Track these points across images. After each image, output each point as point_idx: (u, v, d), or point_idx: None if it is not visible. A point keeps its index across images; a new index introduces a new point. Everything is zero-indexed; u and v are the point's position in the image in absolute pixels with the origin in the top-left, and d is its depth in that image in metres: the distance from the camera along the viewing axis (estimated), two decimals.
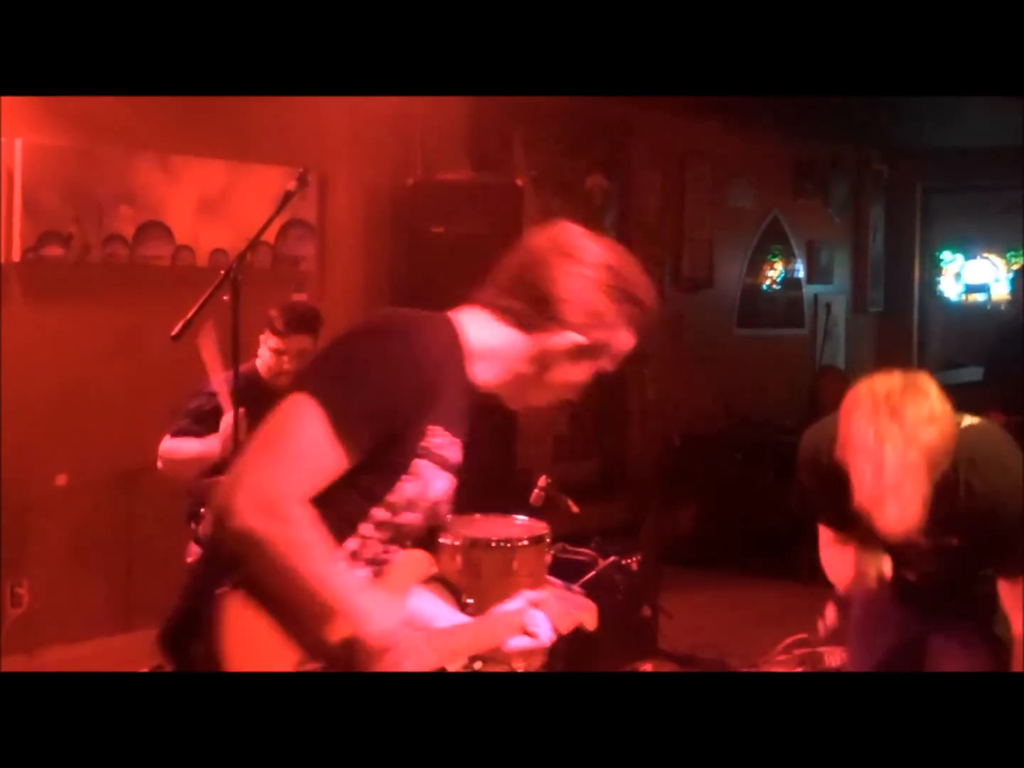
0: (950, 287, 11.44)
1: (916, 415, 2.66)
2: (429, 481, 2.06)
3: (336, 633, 1.94)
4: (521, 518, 5.09)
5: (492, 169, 7.06)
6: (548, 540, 4.94)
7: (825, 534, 3.36)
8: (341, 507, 1.97)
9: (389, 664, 1.94)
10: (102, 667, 5.28)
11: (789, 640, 5.78)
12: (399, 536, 2.09)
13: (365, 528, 2.02)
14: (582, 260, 2.10)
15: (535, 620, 2.34)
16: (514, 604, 2.38)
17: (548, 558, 4.94)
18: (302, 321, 4.69)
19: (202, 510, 4.42)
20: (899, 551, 2.97)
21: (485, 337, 2.10)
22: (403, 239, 6.66)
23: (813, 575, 7.47)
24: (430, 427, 2.03)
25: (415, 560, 2.20)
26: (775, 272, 10.07)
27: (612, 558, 5.10)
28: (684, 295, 9.01)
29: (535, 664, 2.45)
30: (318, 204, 6.46)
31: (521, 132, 7.43)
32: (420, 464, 2.03)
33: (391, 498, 2.02)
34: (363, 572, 2.05)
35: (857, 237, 11.05)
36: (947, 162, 10.57)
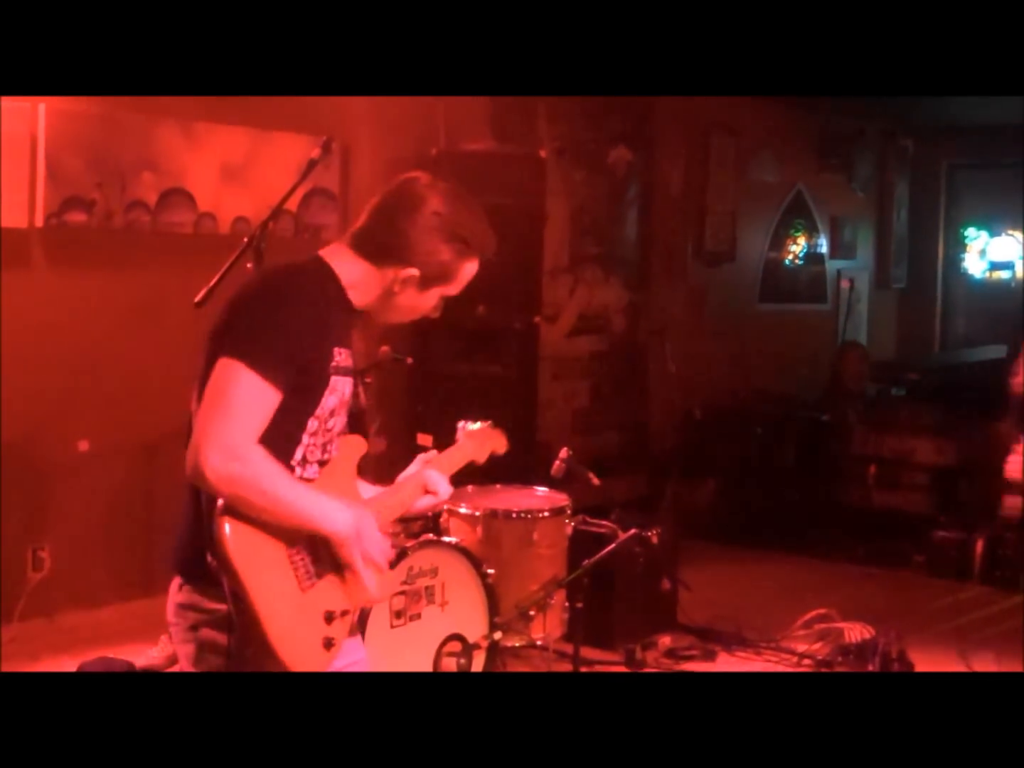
0: (974, 264, 11.37)
1: None
2: (342, 390, 2.54)
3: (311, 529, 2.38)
4: (542, 489, 5.09)
5: (515, 140, 7.03)
6: (568, 512, 4.94)
7: None
8: (283, 428, 2.39)
9: (355, 546, 2.39)
10: (122, 632, 5.31)
11: (809, 615, 5.77)
12: (332, 436, 2.55)
13: (305, 438, 2.47)
14: (420, 210, 2.54)
15: (433, 479, 2.75)
16: (412, 468, 2.80)
17: (568, 529, 4.94)
18: None
19: None
20: None
21: (351, 271, 2.55)
22: None
23: (833, 551, 7.51)
24: (335, 349, 2.49)
25: (350, 444, 2.63)
26: (798, 247, 10.02)
27: (632, 531, 5.06)
28: (706, 269, 8.98)
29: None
30: (341, 173, 6.44)
31: (544, 103, 7.39)
32: (334, 380, 2.49)
33: (319, 412, 2.48)
34: (313, 469, 2.50)
35: (881, 213, 10.99)
36: (973, 139, 10.50)
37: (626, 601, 5.56)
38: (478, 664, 4.45)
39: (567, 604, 4.80)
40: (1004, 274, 11.18)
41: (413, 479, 2.77)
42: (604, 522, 5.33)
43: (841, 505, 7.94)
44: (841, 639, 5.51)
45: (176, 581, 2.47)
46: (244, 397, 2.31)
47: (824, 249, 10.29)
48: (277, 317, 2.39)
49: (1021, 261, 11.11)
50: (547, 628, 4.76)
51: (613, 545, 4.90)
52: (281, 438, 2.39)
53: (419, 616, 4.27)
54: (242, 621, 2.27)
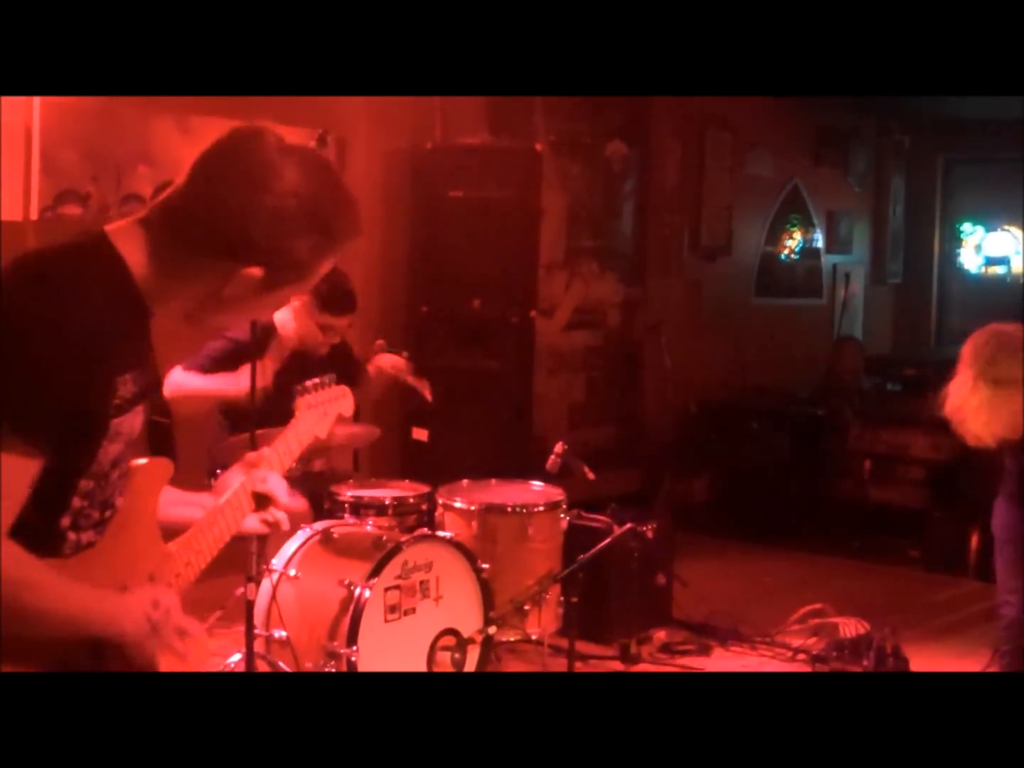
0: (970, 259, 11.37)
1: (1002, 362, 3.60)
2: (129, 429, 1.85)
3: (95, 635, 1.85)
4: (537, 484, 5.08)
5: (511, 133, 7.02)
6: (564, 506, 4.93)
7: None
8: (45, 497, 1.74)
9: (150, 644, 1.89)
10: None
11: (804, 610, 5.78)
12: (115, 488, 1.89)
13: (76, 502, 1.81)
14: (269, 187, 1.80)
15: (274, 490, 2.18)
16: (235, 478, 2.19)
17: (564, 524, 4.93)
18: (350, 302, 4.69)
19: (219, 471, 4.42)
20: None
21: (149, 260, 1.83)
22: (421, 203, 6.63)
23: (828, 546, 7.52)
24: (117, 379, 1.79)
25: (148, 478, 1.98)
26: (794, 241, 10.02)
27: (628, 525, 5.06)
28: (702, 263, 8.97)
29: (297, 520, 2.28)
30: (337, 167, 6.42)
31: (540, 97, 7.38)
32: (115, 423, 1.80)
33: (95, 468, 1.81)
34: (88, 536, 1.87)
35: (877, 207, 10.99)
36: (969, 133, 10.49)
37: (621, 596, 5.56)
38: (472, 659, 4.44)
39: (562, 599, 4.79)
40: (1000, 269, 11.17)
41: (237, 497, 2.17)
42: (599, 517, 5.33)
43: (836, 500, 7.95)
44: (836, 634, 5.52)
45: None
46: None
47: (820, 244, 10.29)
48: (30, 347, 1.66)
49: (1017, 256, 11.10)
50: (542, 623, 4.75)
51: (608, 540, 4.89)
52: (43, 508, 1.74)
53: (413, 611, 4.27)
54: None
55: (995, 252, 11.21)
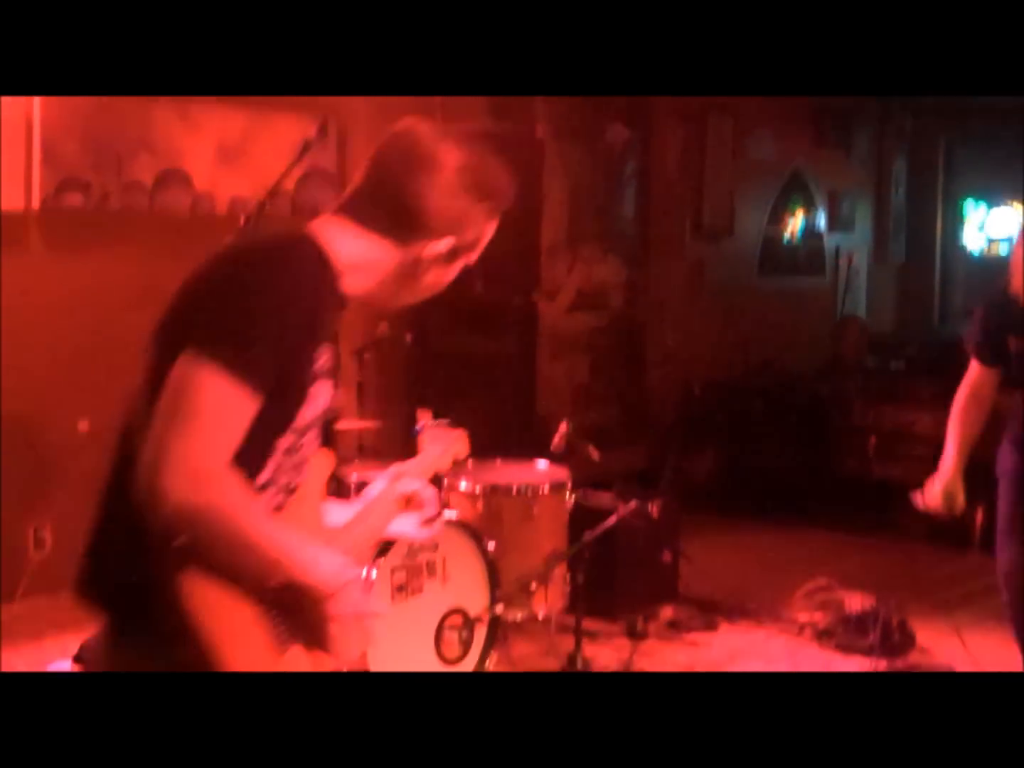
0: (973, 238, 11.36)
1: None
2: (321, 398, 2.06)
3: (281, 582, 1.93)
4: (542, 464, 5.11)
5: (512, 119, 7.03)
6: (569, 486, 4.96)
7: (972, 372, 4.16)
8: (253, 443, 1.92)
9: (342, 600, 1.96)
10: None
11: (810, 585, 5.79)
12: (305, 455, 2.09)
13: (275, 459, 2.00)
14: (440, 168, 2.09)
15: (420, 490, 2.40)
16: (378, 484, 2.40)
17: (569, 504, 4.96)
18: None
19: None
20: None
21: (354, 250, 2.08)
22: None
23: (833, 522, 7.53)
24: (315, 352, 2.02)
25: (320, 465, 2.19)
26: (796, 222, 10.02)
27: (633, 504, 5.09)
28: (705, 244, 8.98)
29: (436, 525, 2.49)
30: (338, 153, 6.45)
31: None
32: (315, 387, 2.03)
33: (295, 424, 2.01)
34: (279, 498, 2.04)
35: (879, 187, 10.98)
36: (970, 113, 10.47)
37: (627, 573, 5.58)
38: (480, 638, 4.47)
39: (568, 577, 4.82)
40: (1002, 248, 11.17)
41: (384, 499, 2.38)
42: (605, 495, 5.36)
43: (841, 477, 7.96)
44: (842, 609, 5.53)
45: (102, 619, 2.00)
46: (216, 406, 1.83)
47: (822, 224, 10.29)
48: (258, 305, 1.91)
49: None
50: (549, 601, 4.78)
51: (614, 518, 4.92)
52: (246, 459, 1.91)
53: (420, 590, 4.29)
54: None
55: (998, 231, 11.21)
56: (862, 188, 10.79)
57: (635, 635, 5.28)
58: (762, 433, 8.26)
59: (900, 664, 5.08)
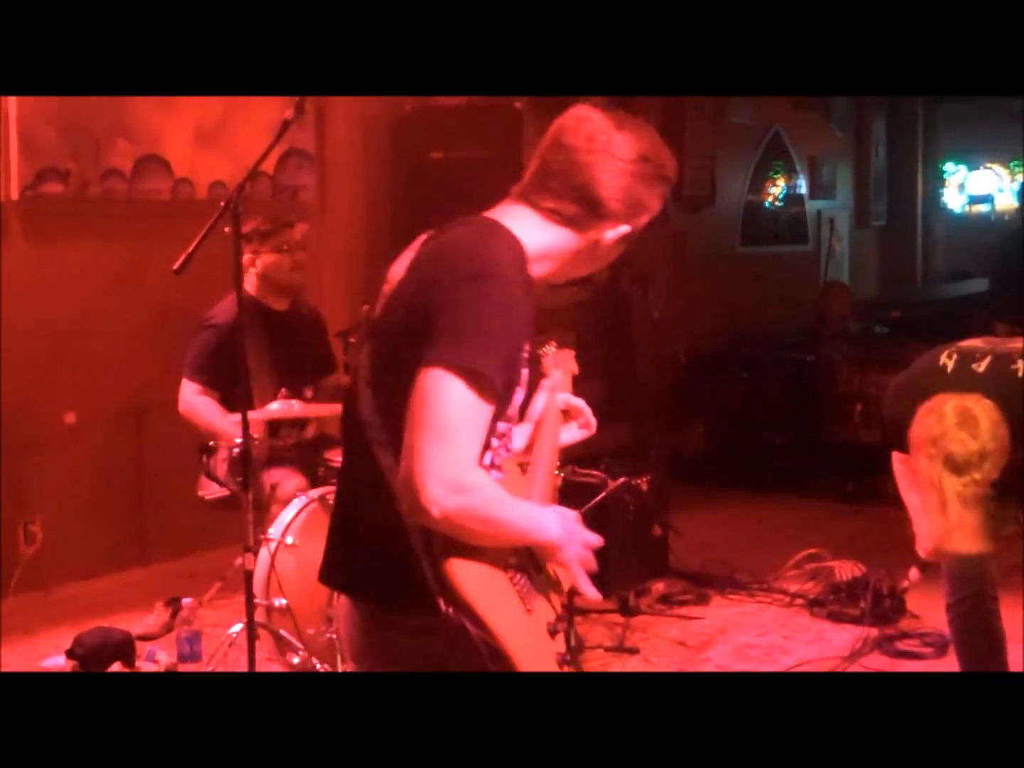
0: (953, 198, 11.38)
1: (967, 455, 3.12)
2: (525, 380, 2.19)
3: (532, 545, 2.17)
4: None
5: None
6: (557, 463, 4.95)
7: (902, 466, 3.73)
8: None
9: (569, 547, 2.17)
10: (118, 601, 5.33)
11: (800, 555, 5.82)
12: (511, 436, 2.24)
13: (495, 442, 2.15)
14: (618, 156, 2.17)
15: (578, 405, 2.58)
16: (541, 400, 2.52)
17: (558, 481, 4.95)
18: (287, 219, 4.90)
19: (210, 443, 4.45)
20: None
21: (540, 240, 2.17)
22: (402, 166, 6.61)
23: (822, 490, 7.55)
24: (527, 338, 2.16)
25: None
26: (777, 188, 10.01)
27: (622, 479, 5.11)
28: (686, 214, 8.95)
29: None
30: (316, 133, 6.41)
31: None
32: (523, 373, 2.16)
33: (509, 411, 2.16)
34: (497, 474, 2.17)
35: (859, 151, 10.97)
36: None
37: (618, 549, 5.57)
38: None
39: None
40: (983, 207, 11.18)
41: (550, 413, 2.52)
42: (593, 472, 5.36)
43: (829, 444, 7.98)
44: (832, 578, 5.56)
45: (358, 608, 2.17)
46: (465, 417, 1.97)
47: (803, 190, 10.28)
48: (490, 311, 2.00)
49: (1000, 194, 11.11)
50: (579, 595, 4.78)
51: (603, 494, 4.93)
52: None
53: None
54: (494, 669, 2.03)
55: (978, 191, 11.22)
56: (842, 153, 10.78)
57: (627, 611, 5.30)
58: (749, 403, 8.27)
59: (891, 630, 5.11)
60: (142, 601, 5.24)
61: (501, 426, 2.14)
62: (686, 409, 8.16)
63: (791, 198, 10.14)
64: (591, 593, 2.23)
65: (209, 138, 5.94)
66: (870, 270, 11.27)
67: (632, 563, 5.58)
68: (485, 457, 2.11)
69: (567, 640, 4.69)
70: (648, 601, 5.50)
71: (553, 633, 2.21)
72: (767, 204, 9.93)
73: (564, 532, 2.16)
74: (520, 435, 2.42)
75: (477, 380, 1.97)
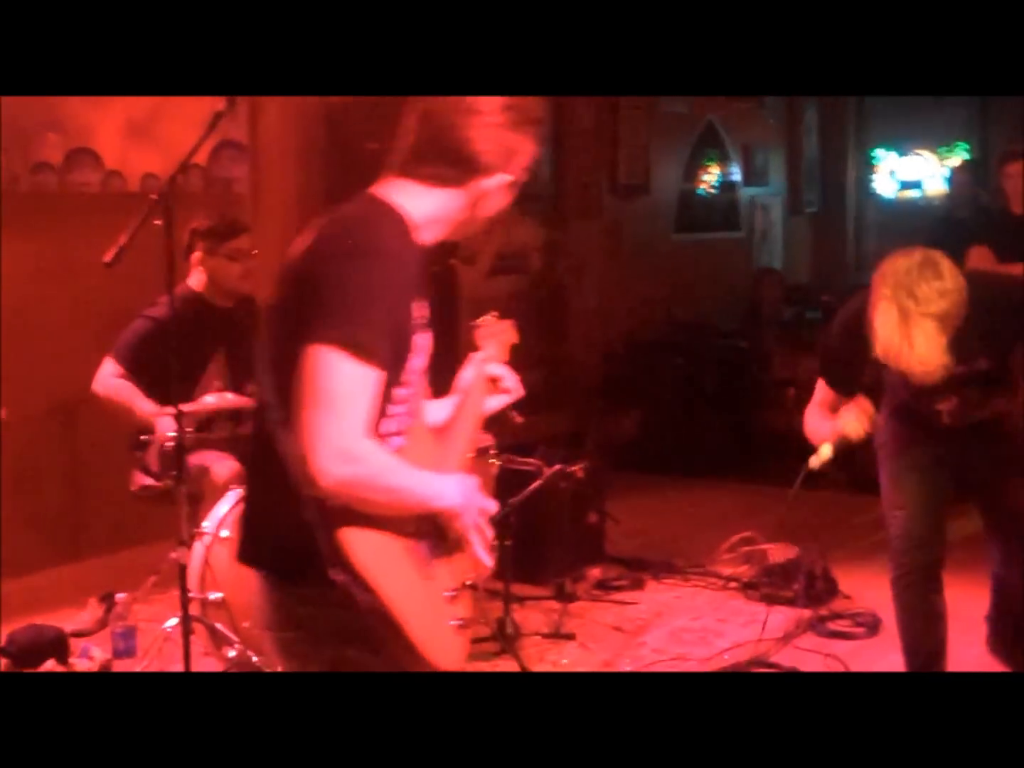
0: (884, 185, 11.50)
1: (928, 292, 3.30)
2: (425, 346, 2.27)
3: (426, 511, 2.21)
4: None
5: None
6: (493, 451, 4.98)
7: (820, 393, 3.96)
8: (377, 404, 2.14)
9: (468, 515, 2.23)
10: (54, 597, 5.30)
11: (734, 539, 5.88)
12: (416, 402, 2.30)
13: (392, 408, 2.20)
14: (486, 111, 2.24)
15: (502, 373, 2.66)
16: (469, 372, 2.63)
17: (494, 469, 4.98)
18: (241, 224, 4.85)
19: (143, 437, 4.43)
20: (935, 389, 3.60)
21: (423, 206, 2.25)
22: (337, 157, 6.60)
23: (756, 475, 7.61)
24: (414, 304, 2.21)
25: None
26: (711, 176, 10.08)
27: (557, 467, 5.15)
28: (621, 202, 9.01)
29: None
30: (249, 124, 6.38)
31: None
32: (416, 338, 2.23)
33: (404, 377, 2.21)
34: (399, 440, 2.23)
35: (791, 139, 11.07)
36: None
37: (554, 536, 5.63)
38: None
39: (495, 542, 4.84)
40: (914, 193, 11.32)
41: (476, 384, 2.61)
42: (530, 460, 5.39)
43: (762, 429, 8.06)
44: (766, 560, 5.63)
45: (264, 580, 2.24)
46: (350, 390, 2.05)
47: (737, 177, 10.36)
48: (363, 284, 2.08)
49: (930, 179, 11.25)
50: (476, 567, 4.81)
51: (539, 482, 4.97)
52: (374, 416, 2.14)
53: None
54: (385, 635, 2.12)
55: (908, 176, 11.35)
56: (775, 140, 10.87)
57: (563, 597, 5.34)
58: (684, 389, 8.33)
59: (824, 611, 5.19)
60: (76, 597, 5.21)
61: (400, 392, 2.20)
62: (621, 396, 8.22)
63: (725, 185, 10.22)
64: (485, 560, 2.32)
65: (140, 130, 5.90)
66: (803, 256, 11.38)
67: (568, 549, 5.64)
68: (384, 424, 2.18)
69: (501, 626, 4.75)
70: (584, 587, 5.55)
71: (453, 600, 2.32)
72: (701, 192, 10.00)
73: (463, 499, 2.22)
74: (444, 407, 2.53)
75: (358, 351, 2.05)
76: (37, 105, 5.50)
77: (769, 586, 5.40)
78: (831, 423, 3.85)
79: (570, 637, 4.98)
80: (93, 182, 5.77)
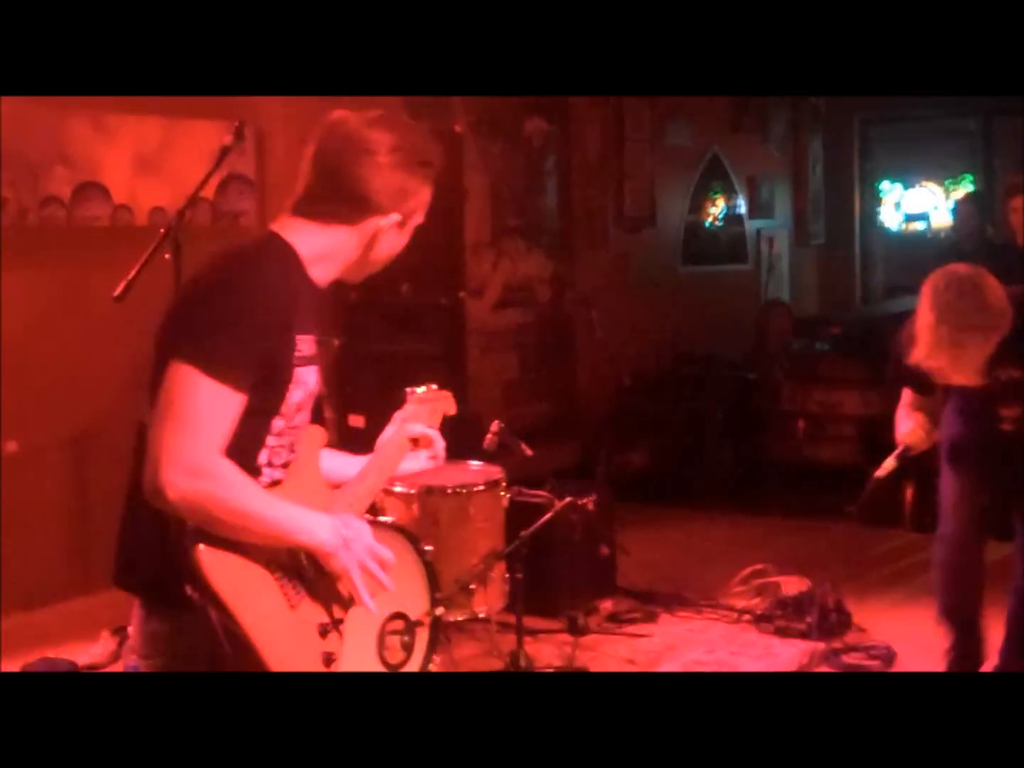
0: (890, 217, 11.52)
1: (966, 307, 3.44)
2: (307, 381, 2.28)
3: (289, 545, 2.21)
4: (476, 463, 5.10)
5: (429, 115, 7.01)
6: (503, 484, 4.96)
7: (904, 395, 4.09)
8: (247, 430, 2.17)
9: (345, 555, 2.22)
10: (63, 631, 5.27)
11: (746, 571, 5.85)
12: (297, 434, 2.32)
13: (270, 439, 2.24)
14: (373, 151, 2.30)
15: (426, 433, 2.64)
16: (390, 430, 2.64)
17: (504, 502, 4.96)
18: None
19: None
20: (1002, 394, 3.73)
21: (316, 244, 2.30)
22: None
23: (767, 507, 7.59)
24: (297, 338, 2.24)
25: (311, 438, 2.40)
26: (717, 209, 10.10)
27: (567, 499, 5.11)
28: (628, 235, 9.02)
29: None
30: (256, 158, 6.40)
31: None
32: (298, 372, 2.24)
33: (284, 408, 2.24)
34: (278, 474, 2.27)
35: (797, 171, 11.09)
36: None
37: (566, 569, 5.60)
38: (422, 640, 4.45)
39: (507, 575, 4.82)
40: (919, 225, 11.33)
41: (393, 442, 2.61)
42: (539, 492, 5.36)
43: (772, 461, 8.04)
44: (778, 593, 5.59)
45: (141, 609, 2.24)
46: (203, 406, 2.08)
47: (743, 209, 10.37)
48: (232, 309, 2.13)
49: (935, 211, 11.26)
50: (489, 600, 4.78)
51: (549, 514, 4.93)
52: (244, 443, 2.16)
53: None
54: (236, 654, 2.09)
55: (914, 208, 11.37)
56: (780, 172, 10.89)
57: (576, 630, 5.30)
58: (692, 421, 8.31)
59: (838, 644, 5.15)
60: (87, 630, 5.18)
61: (279, 423, 2.24)
62: (630, 428, 8.19)
63: (731, 218, 10.23)
64: (368, 604, 2.29)
65: (148, 164, 5.91)
66: (810, 288, 11.38)
67: (580, 582, 5.60)
68: (261, 455, 2.22)
69: (515, 660, 4.71)
70: (596, 620, 5.51)
71: (324, 633, 2.27)
72: (707, 224, 10.01)
73: (335, 539, 2.20)
74: (356, 464, 2.54)
75: (212, 370, 2.08)
76: (45, 139, 5.52)
77: (782, 619, 5.36)
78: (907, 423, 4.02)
79: (583, 671, 4.95)
80: (102, 216, 5.77)
